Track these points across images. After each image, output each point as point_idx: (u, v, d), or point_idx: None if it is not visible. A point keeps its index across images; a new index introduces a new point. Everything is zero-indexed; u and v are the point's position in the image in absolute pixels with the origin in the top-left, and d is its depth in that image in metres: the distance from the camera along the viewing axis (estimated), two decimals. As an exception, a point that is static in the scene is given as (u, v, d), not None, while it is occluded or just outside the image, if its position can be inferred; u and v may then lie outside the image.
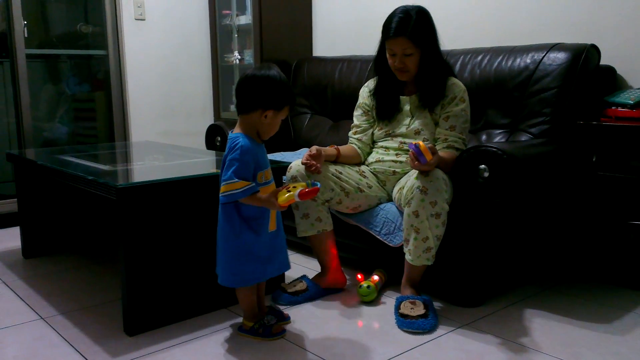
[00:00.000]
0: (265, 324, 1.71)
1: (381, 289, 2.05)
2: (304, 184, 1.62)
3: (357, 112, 2.23)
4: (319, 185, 1.64)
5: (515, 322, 1.80)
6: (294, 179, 1.95)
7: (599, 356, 1.58)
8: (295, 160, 2.01)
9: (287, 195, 1.56)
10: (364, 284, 1.96)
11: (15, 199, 2.57)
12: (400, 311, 1.81)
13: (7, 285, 2.15)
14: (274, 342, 1.67)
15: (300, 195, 1.55)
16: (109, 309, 1.93)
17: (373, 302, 1.96)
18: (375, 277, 2.01)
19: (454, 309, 1.90)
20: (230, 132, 1.67)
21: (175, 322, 1.81)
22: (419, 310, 1.79)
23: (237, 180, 1.55)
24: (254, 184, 1.58)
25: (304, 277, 2.07)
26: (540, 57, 2.20)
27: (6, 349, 1.65)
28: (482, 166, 1.82)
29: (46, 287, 2.13)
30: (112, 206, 1.78)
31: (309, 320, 1.83)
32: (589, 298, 1.99)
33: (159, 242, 1.75)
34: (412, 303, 1.82)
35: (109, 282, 2.18)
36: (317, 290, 2.03)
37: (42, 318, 1.86)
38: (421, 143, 1.71)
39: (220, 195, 1.59)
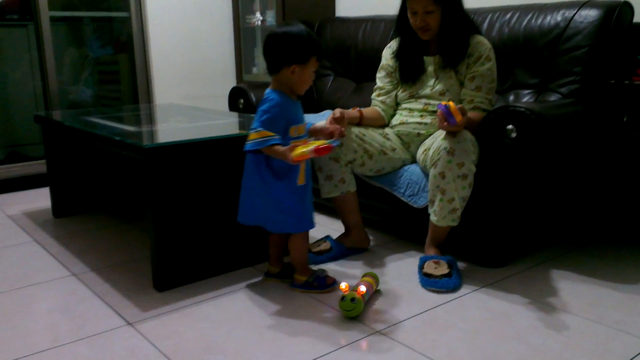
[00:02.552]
0: (320, 275, 1.77)
1: (375, 292, 1.75)
2: (323, 141, 1.63)
3: (380, 74, 2.20)
4: (336, 144, 1.65)
5: (541, 283, 1.80)
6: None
7: (626, 316, 1.58)
8: (318, 122, 2.01)
9: (301, 150, 1.58)
10: (347, 295, 1.57)
11: (44, 161, 2.61)
12: (423, 270, 1.82)
13: (38, 243, 2.21)
14: (298, 299, 1.70)
15: (315, 151, 1.56)
16: (139, 265, 1.97)
17: (395, 264, 1.96)
18: (362, 288, 1.60)
19: (479, 270, 1.91)
20: (266, 90, 1.72)
21: (203, 279, 1.85)
22: (443, 269, 1.80)
23: (261, 129, 1.60)
24: (276, 136, 1.61)
25: (327, 237, 2.09)
26: (572, 15, 2.14)
27: (40, 303, 1.70)
28: (510, 127, 1.79)
29: (76, 245, 2.19)
30: (140, 166, 1.80)
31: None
32: (616, 259, 1.98)
33: (185, 202, 1.77)
34: (435, 263, 1.83)
35: (138, 240, 2.23)
36: (341, 250, 2.04)
37: (73, 274, 1.91)
38: (451, 104, 1.69)
39: (248, 143, 1.63)
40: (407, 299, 1.70)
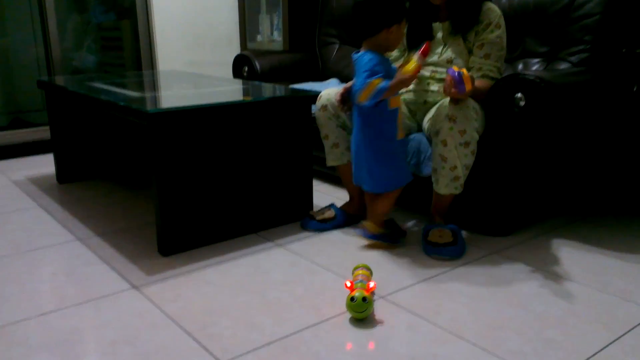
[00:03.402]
0: (393, 230, 1.86)
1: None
2: (412, 61, 1.70)
3: None
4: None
5: (545, 251, 1.80)
6: (324, 107, 1.94)
7: (630, 285, 1.58)
8: (326, 90, 1.99)
9: (411, 64, 1.67)
10: (357, 295, 1.37)
11: (48, 127, 2.60)
12: (428, 238, 1.82)
13: (43, 209, 2.22)
14: (301, 265, 1.71)
15: (422, 53, 1.68)
16: (143, 231, 1.98)
17: (398, 237, 1.96)
18: (371, 284, 1.45)
19: (483, 238, 1.91)
20: (353, 54, 1.79)
21: (207, 244, 1.86)
22: (447, 238, 1.80)
23: (369, 80, 1.67)
24: (384, 79, 1.68)
25: (332, 205, 2.09)
26: (584, -19, 2.09)
27: (45, 267, 1.71)
28: (518, 95, 1.77)
29: (81, 211, 2.19)
30: (144, 132, 1.79)
31: (338, 245, 1.85)
32: (621, 229, 1.98)
33: (190, 168, 1.77)
34: (440, 231, 1.83)
35: (142, 207, 2.23)
36: (345, 218, 2.04)
37: (78, 239, 1.92)
38: (465, 71, 1.66)
39: (363, 101, 1.69)
40: (411, 266, 1.70)
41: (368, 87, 1.67)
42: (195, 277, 1.63)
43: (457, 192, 1.82)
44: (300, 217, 2.08)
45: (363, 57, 1.72)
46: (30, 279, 1.63)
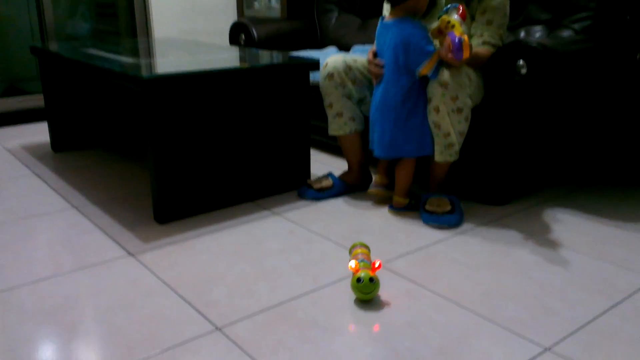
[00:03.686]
0: (418, 197, 1.89)
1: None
2: (452, 19, 1.67)
3: (387, 5, 2.12)
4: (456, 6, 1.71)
5: (544, 220, 1.79)
6: (331, 76, 1.90)
7: (629, 254, 1.57)
8: (331, 57, 1.95)
9: (455, 26, 1.65)
10: (364, 276, 1.30)
11: (42, 95, 2.56)
12: (426, 207, 1.80)
13: (38, 177, 2.20)
14: (298, 234, 1.70)
15: (460, 16, 1.67)
16: (139, 200, 1.96)
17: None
18: (377, 263, 1.36)
19: (482, 207, 1.90)
20: (382, 20, 1.84)
21: (204, 212, 1.85)
22: (445, 206, 1.79)
23: (433, 50, 1.71)
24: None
25: (330, 174, 2.07)
26: (589, -55, 2.04)
27: (41, 234, 1.70)
28: (520, 62, 1.74)
29: (77, 179, 2.17)
30: (140, 99, 1.75)
31: (335, 214, 1.84)
32: (621, 199, 1.97)
33: (186, 135, 1.74)
34: (438, 200, 1.82)
35: (138, 176, 2.21)
36: (343, 187, 2.03)
37: (74, 207, 1.90)
38: (466, 38, 1.62)
39: (427, 72, 1.71)
40: (409, 235, 1.69)
41: (433, 58, 1.70)
42: (191, 245, 1.62)
43: (452, 159, 1.80)
44: (298, 186, 2.07)
45: (415, 29, 1.74)
46: (26, 247, 1.62)
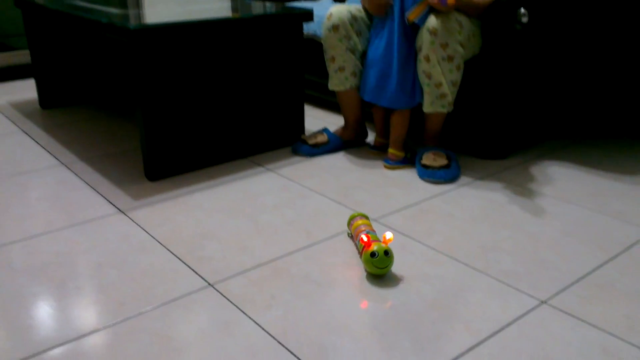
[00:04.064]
0: (414, 151, 1.87)
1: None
2: None
3: None
4: None
5: (541, 174, 1.76)
6: (336, 28, 1.82)
7: (627, 206, 1.55)
8: (335, 7, 1.87)
9: None
10: (378, 249, 1.20)
11: (28, 51, 2.49)
12: (422, 162, 1.77)
13: (26, 134, 2.15)
14: (293, 190, 1.67)
15: None
16: (130, 157, 1.93)
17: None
18: (388, 235, 1.24)
19: (478, 162, 1.87)
20: None
21: (196, 169, 1.81)
22: (442, 161, 1.76)
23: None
24: None
25: (325, 129, 2.02)
26: None
27: (29, 191, 1.67)
28: (522, 10, 1.68)
29: (65, 136, 2.12)
30: (128, 50, 1.69)
31: (330, 170, 1.81)
32: (620, 151, 1.94)
33: (176, 89, 1.69)
34: (434, 154, 1.79)
35: (129, 132, 2.17)
36: (338, 143, 1.99)
37: (63, 164, 1.86)
38: None
39: (417, 18, 1.69)
40: (404, 189, 1.67)
41: (422, 4, 1.67)
42: (183, 202, 1.59)
43: (445, 110, 1.76)
44: (292, 142, 2.03)
45: None
46: (14, 204, 1.59)
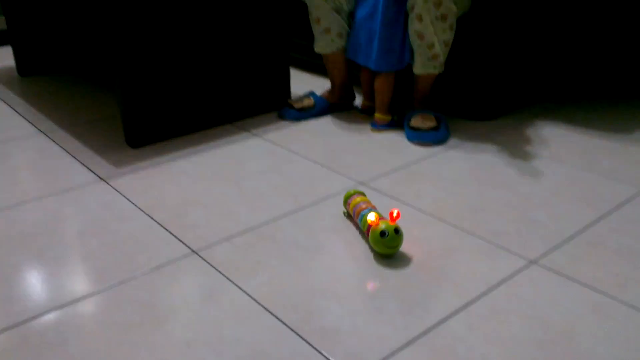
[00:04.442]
0: (402, 113, 1.83)
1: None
2: None
3: None
4: None
5: (531, 134, 1.74)
6: None
7: (617, 164, 1.53)
8: None
9: None
10: (388, 227, 1.12)
11: (3, 17, 2.40)
12: (410, 124, 1.74)
13: (4, 102, 2.09)
14: (279, 155, 1.64)
15: None
16: (110, 124, 1.87)
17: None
18: (395, 211, 1.14)
19: (468, 123, 1.83)
20: None
21: (180, 135, 1.77)
22: (430, 123, 1.72)
23: None
24: None
25: (311, 93, 1.98)
26: None
27: (8, 160, 1.62)
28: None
29: (44, 104, 2.06)
30: (104, 9, 1.62)
31: (317, 134, 1.78)
32: (611, 111, 1.91)
33: (155, 51, 1.63)
34: (422, 116, 1.75)
35: (111, 100, 2.11)
36: (325, 107, 1.95)
37: (41, 132, 1.81)
38: None
39: None
40: (392, 153, 1.64)
41: None
42: (166, 168, 1.56)
43: (437, 71, 1.72)
44: (278, 107, 1.99)
45: None
46: (-8, 174, 1.54)
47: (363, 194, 1.28)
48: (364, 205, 1.22)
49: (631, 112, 1.90)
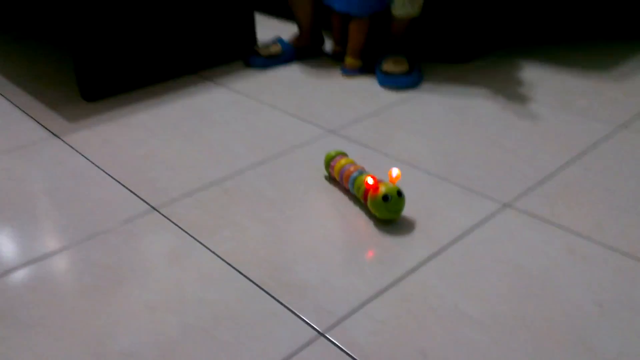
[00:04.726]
0: (373, 59, 1.72)
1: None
2: None
3: None
4: None
5: (506, 75, 1.68)
6: None
7: (593, 102, 1.49)
8: None
9: None
10: (390, 191, 1.01)
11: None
12: (382, 69, 1.67)
13: (-50, 59, 1.96)
14: (242, 104, 1.56)
15: None
16: (65, 76, 1.77)
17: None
18: (394, 172, 1.04)
19: (440, 66, 1.76)
20: None
21: (139, 87, 1.67)
22: (403, 66, 1.65)
23: None
24: None
25: (279, 39, 1.88)
26: None
27: (-44, 120, 1.52)
28: None
29: (-6, 59, 1.94)
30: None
31: (285, 82, 1.69)
32: (589, 52, 1.85)
33: (105, -4, 1.52)
34: (394, 60, 1.68)
35: (63, 52, 1.99)
36: (293, 53, 1.86)
37: (-9, 88, 1.70)
38: None
39: None
40: (363, 99, 1.57)
41: None
42: (124, 122, 1.47)
43: (415, 13, 1.64)
44: (244, 55, 1.89)
45: None
46: (-63, 134, 1.45)
47: (345, 154, 1.18)
48: (352, 168, 1.11)
49: (609, 51, 1.85)
